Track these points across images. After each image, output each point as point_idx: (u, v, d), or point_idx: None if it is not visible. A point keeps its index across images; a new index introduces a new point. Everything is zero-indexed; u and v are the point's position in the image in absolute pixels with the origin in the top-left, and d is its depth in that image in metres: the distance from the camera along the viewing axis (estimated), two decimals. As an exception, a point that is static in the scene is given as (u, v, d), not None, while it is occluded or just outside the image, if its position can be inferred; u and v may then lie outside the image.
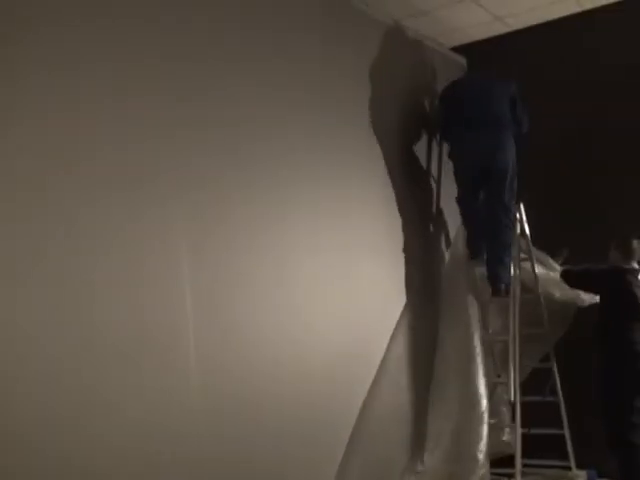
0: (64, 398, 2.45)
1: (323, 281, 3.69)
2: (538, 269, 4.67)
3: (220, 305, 3.09)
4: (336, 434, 3.65)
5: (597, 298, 4.33)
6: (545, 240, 4.75)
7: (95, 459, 2.50)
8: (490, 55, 5.33)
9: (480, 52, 5.40)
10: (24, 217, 2.44)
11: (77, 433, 2.47)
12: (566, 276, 4.48)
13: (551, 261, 4.69)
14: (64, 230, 2.55)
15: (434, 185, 4.88)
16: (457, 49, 5.47)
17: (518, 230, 4.65)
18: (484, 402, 4.19)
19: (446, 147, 4.77)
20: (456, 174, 4.63)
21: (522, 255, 4.70)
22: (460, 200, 4.63)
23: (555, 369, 4.65)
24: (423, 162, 4.82)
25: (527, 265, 4.68)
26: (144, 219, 2.83)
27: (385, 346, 4.12)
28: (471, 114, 4.47)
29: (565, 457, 4.57)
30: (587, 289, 4.46)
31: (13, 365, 2.34)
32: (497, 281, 4.38)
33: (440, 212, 4.89)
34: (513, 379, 4.30)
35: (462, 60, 5.50)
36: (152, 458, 2.68)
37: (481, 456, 4.01)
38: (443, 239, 4.88)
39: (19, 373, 2.36)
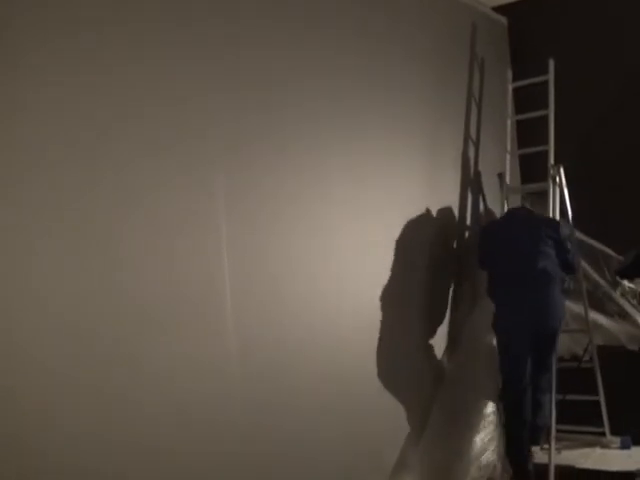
0: (91, 369, 2.40)
1: (358, 248, 3.68)
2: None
3: (257, 270, 3.10)
4: (376, 399, 3.67)
5: None
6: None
7: (131, 427, 2.50)
8: (531, 15, 5.21)
9: (521, 12, 5.26)
10: (49, 167, 2.35)
11: (109, 403, 2.45)
12: (623, 273, 4.38)
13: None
14: (88, 182, 2.47)
15: (474, 138, 4.83)
16: (498, 9, 5.33)
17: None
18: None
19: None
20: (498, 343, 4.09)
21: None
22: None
23: (592, 336, 4.60)
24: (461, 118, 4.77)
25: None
26: (181, 175, 2.79)
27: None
28: (506, 283, 4.00)
29: (600, 423, 4.57)
30: None
31: (33, 337, 2.25)
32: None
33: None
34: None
35: (503, 20, 5.39)
36: (188, 425, 2.70)
37: None
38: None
39: (40, 346, 2.26)
